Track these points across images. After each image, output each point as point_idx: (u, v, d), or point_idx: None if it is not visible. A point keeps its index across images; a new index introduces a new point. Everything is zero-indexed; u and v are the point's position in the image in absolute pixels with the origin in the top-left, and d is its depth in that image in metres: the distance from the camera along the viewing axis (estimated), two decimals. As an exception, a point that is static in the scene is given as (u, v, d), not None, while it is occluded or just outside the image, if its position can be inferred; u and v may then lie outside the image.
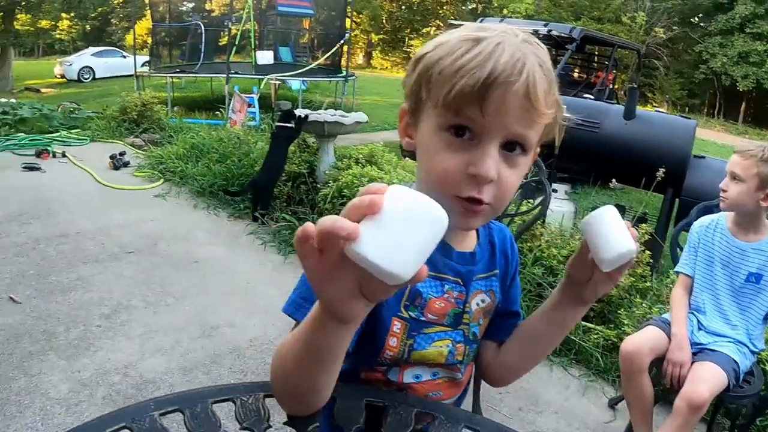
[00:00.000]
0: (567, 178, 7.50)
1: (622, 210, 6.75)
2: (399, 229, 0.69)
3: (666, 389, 3.08)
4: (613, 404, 3.79)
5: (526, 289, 4.36)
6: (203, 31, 16.76)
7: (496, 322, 1.41)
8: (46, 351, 3.72)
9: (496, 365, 1.43)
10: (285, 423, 1.06)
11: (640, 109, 7.46)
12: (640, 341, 2.91)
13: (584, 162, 7.33)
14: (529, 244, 4.73)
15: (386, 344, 1.24)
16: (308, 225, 0.70)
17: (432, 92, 1.03)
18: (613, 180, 6.14)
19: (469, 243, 1.34)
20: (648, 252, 4.69)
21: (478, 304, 1.35)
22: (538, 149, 1.13)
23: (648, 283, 4.48)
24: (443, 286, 1.29)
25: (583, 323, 4.17)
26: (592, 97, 10.33)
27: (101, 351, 3.77)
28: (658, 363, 2.91)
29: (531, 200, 4.28)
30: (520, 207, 4.08)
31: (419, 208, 0.71)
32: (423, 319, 1.28)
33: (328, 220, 0.68)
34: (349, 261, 0.71)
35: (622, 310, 4.14)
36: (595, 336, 4.10)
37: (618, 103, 9.77)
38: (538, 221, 4.70)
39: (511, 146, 1.03)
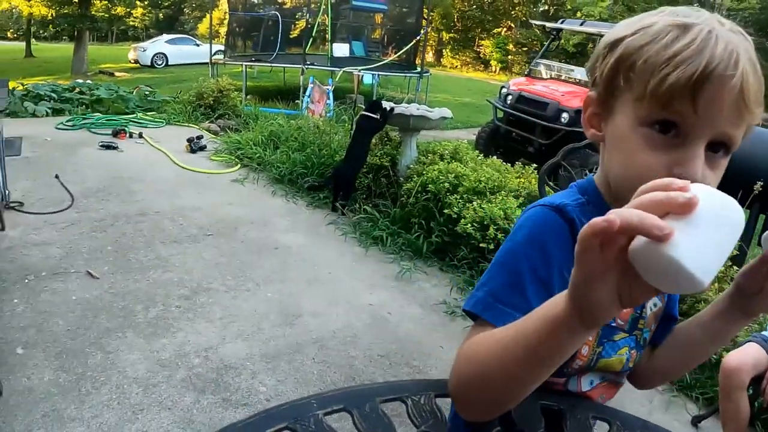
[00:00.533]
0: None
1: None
2: (711, 233, 0.62)
3: (761, 409, 3.02)
4: (696, 422, 3.64)
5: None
6: (280, 22, 16.87)
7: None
8: (124, 328, 3.68)
9: (647, 369, 1.31)
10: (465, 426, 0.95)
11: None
12: (743, 357, 2.82)
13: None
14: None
15: (578, 353, 1.13)
16: (611, 219, 0.62)
17: (635, 82, 0.92)
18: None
19: None
20: (735, 267, 4.48)
21: (651, 309, 1.24)
22: None
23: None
24: None
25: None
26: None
27: (181, 332, 3.70)
28: (753, 381, 2.82)
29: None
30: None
31: (730, 212, 0.65)
32: (614, 324, 1.18)
33: (635, 216, 0.62)
34: (622, 262, 0.66)
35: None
36: (683, 351, 3.90)
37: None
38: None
39: (716, 147, 0.92)
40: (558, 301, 0.76)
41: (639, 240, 0.62)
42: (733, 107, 0.88)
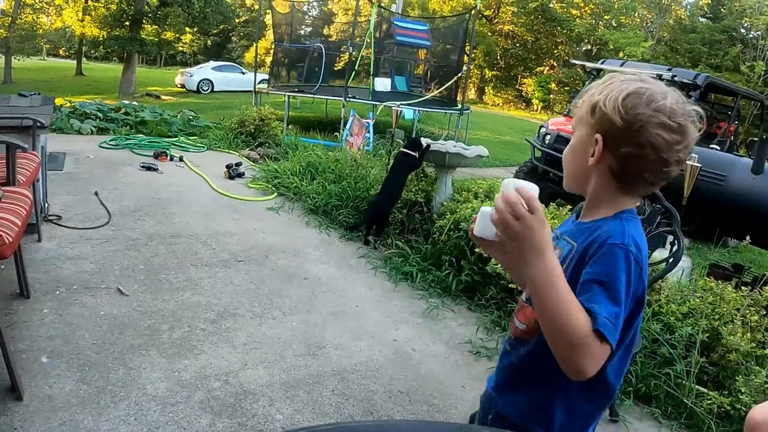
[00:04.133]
0: (687, 232, 7.19)
1: (740, 270, 6.41)
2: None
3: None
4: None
5: (642, 344, 4.12)
6: (324, 54, 17.06)
7: None
8: (148, 346, 3.70)
9: None
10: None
11: (768, 164, 7.15)
12: (769, 412, 2.69)
13: (707, 215, 7.03)
14: (648, 298, 4.48)
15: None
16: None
17: None
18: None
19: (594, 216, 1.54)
20: (769, 317, 4.37)
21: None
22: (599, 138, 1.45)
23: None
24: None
25: (697, 387, 3.90)
26: (718, 148, 9.94)
27: (203, 354, 3.71)
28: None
29: (648, 250, 4.03)
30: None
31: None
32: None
33: None
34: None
35: (740, 377, 3.83)
36: (708, 402, 3.80)
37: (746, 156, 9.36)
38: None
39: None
40: None
41: None
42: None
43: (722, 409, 3.73)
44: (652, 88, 1.41)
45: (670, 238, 4.53)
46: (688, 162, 5.38)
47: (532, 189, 1.31)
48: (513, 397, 1.64)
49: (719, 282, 4.55)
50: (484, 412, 1.73)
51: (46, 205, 5.65)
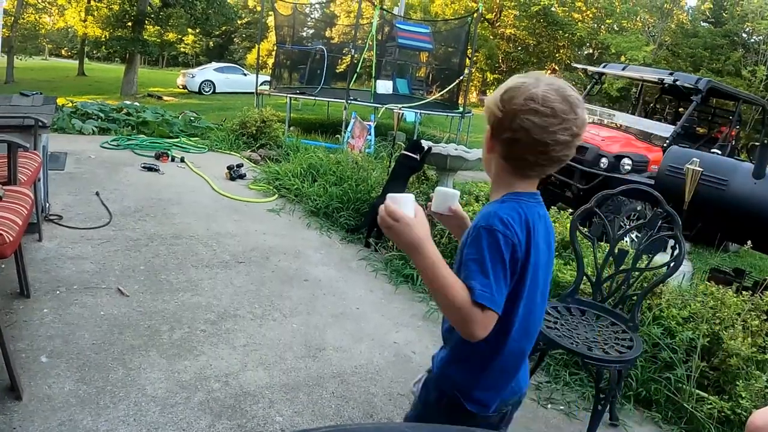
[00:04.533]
0: (688, 236, 7.18)
1: (741, 275, 6.41)
2: None
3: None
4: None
5: (642, 349, 4.11)
6: (326, 57, 17.05)
7: None
8: (148, 347, 3.70)
9: None
10: None
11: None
12: (771, 417, 2.68)
13: (708, 220, 7.02)
14: (649, 302, 4.48)
15: None
16: None
17: None
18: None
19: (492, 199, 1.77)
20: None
21: None
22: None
23: (768, 356, 4.14)
24: None
25: (697, 392, 3.89)
26: (720, 152, 9.93)
27: (203, 356, 3.70)
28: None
29: (649, 255, 4.04)
30: (640, 263, 3.91)
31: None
32: None
33: None
34: None
35: (740, 381, 3.82)
36: (709, 406, 3.79)
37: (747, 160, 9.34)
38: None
39: None
40: None
41: None
42: None
43: (723, 414, 3.72)
44: (528, 82, 1.62)
45: (671, 242, 4.54)
46: (689, 166, 5.39)
47: (397, 200, 1.59)
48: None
49: (720, 286, 4.54)
50: None
51: (47, 204, 5.65)
